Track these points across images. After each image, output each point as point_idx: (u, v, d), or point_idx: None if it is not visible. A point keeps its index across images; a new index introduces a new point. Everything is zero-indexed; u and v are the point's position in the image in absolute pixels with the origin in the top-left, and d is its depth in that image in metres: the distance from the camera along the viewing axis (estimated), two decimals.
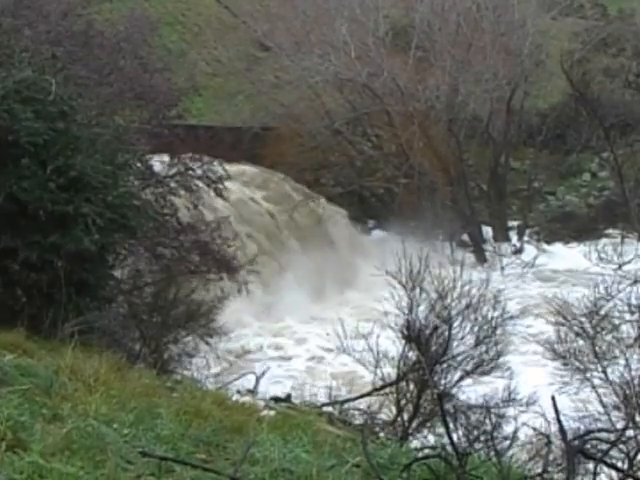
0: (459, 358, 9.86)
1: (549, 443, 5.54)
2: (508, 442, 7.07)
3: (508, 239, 29.79)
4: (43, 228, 8.77)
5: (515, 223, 30.60)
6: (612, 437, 6.24)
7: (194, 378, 10.53)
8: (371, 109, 28.99)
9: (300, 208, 26.09)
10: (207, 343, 13.14)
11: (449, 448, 4.91)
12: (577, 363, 9.67)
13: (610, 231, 28.41)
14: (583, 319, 9.95)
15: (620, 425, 8.47)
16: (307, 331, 21.51)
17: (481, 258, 28.18)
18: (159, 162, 15.75)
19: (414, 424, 9.65)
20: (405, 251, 10.18)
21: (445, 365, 9.80)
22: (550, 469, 5.77)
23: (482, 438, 7.25)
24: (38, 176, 8.86)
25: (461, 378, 9.82)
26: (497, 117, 30.46)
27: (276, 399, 9.82)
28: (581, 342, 9.81)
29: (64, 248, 8.74)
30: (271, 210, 25.33)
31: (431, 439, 9.03)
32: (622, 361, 9.51)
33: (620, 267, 12.34)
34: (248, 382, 11.26)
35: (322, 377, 17.06)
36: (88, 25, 16.32)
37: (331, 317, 17.72)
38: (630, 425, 8.16)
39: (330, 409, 10.01)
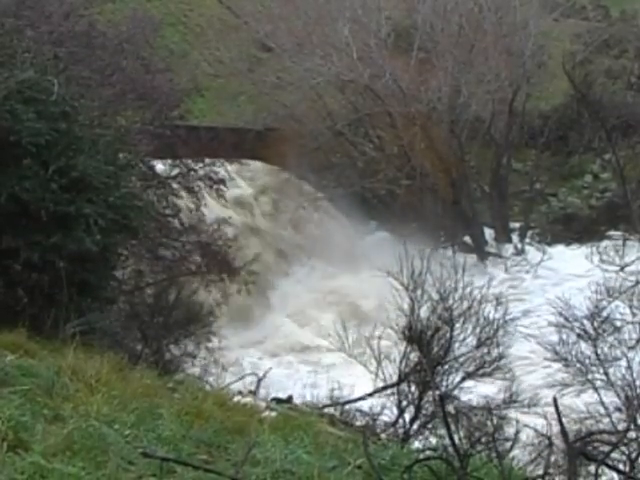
0: (461, 360, 9.85)
1: (551, 445, 5.53)
2: (510, 444, 7.06)
3: (510, 240, 29.75)
4: (45, 228, 8.76)
5: (517, 224, 30.55)
6: (614, 439, 6.23)
7: (197, 376, 10.52)
8: (373, 110, 28.96)
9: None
10: (206, 348, 13.12)
11: (450, 449, 4.92)
12: (579, 365, 9.66)
13: (612, 233, 28.34)
14: (585, 321, 9.94)
15: (622, 427, 8.45)
16: None
17: (483, 259, 28.16)
18: (161, 163, 15.79)
19: (415, 425, 9.64)
20: (407, 252, 10.17)
21: (447, 367, 9.79)
22: (551, 471, 5.77)
23: (483, 440, 7.21)
24: (40, 176, 8.86)
25: (463, 380, 9.81)
26: (499, 118, 30.43)
27: (277, 400, 9.80)
28: (583, 344, 9.80)
29: (66, 248, 8.73)
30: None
31: (432, 440, 9.02)
32: (624, 363, 9.50)
33: (622, 269, 12.33)
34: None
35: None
36: (90, 26, 16.30)
37: None
38: (632, 427, 8.13)
39: (331, 410, 9.99)
